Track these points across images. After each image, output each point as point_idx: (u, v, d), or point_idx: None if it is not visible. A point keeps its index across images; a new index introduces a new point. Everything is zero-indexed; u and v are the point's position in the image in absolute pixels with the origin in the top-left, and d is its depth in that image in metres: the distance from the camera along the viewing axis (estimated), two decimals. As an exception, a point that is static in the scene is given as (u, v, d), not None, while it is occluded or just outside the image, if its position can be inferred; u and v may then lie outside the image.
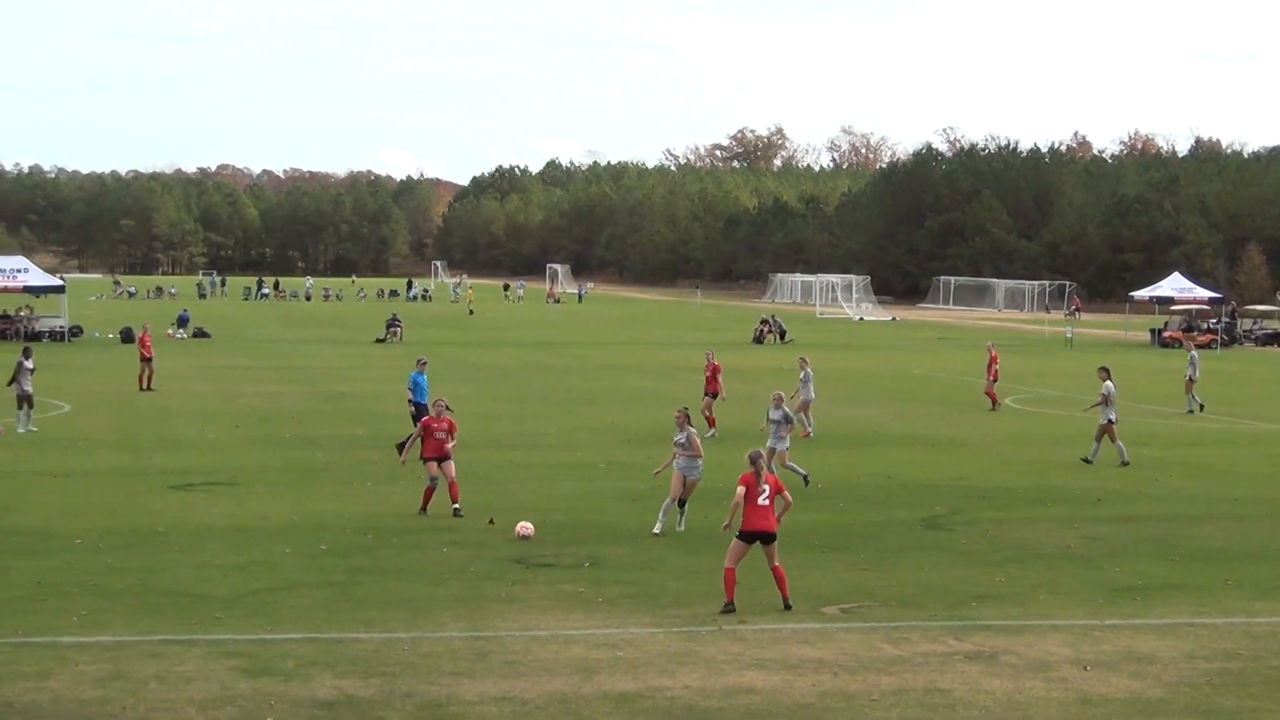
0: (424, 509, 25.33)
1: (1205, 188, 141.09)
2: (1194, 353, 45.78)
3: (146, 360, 47.35)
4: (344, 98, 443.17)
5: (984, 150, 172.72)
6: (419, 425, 27.03)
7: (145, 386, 46.99)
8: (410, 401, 33.92)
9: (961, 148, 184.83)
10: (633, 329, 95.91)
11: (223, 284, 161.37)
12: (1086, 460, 32.62)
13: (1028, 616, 18.58)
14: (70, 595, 19.02)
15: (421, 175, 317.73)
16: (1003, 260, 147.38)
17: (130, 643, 16.72)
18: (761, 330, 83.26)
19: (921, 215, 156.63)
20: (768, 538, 18.52)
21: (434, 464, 25.43)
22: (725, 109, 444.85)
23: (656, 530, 23.41)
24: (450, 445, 25.62)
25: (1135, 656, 16.77)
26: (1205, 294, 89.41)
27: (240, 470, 30.34)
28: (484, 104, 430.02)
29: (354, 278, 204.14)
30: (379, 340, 77.01)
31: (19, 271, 74.92)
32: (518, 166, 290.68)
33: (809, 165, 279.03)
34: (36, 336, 70.59)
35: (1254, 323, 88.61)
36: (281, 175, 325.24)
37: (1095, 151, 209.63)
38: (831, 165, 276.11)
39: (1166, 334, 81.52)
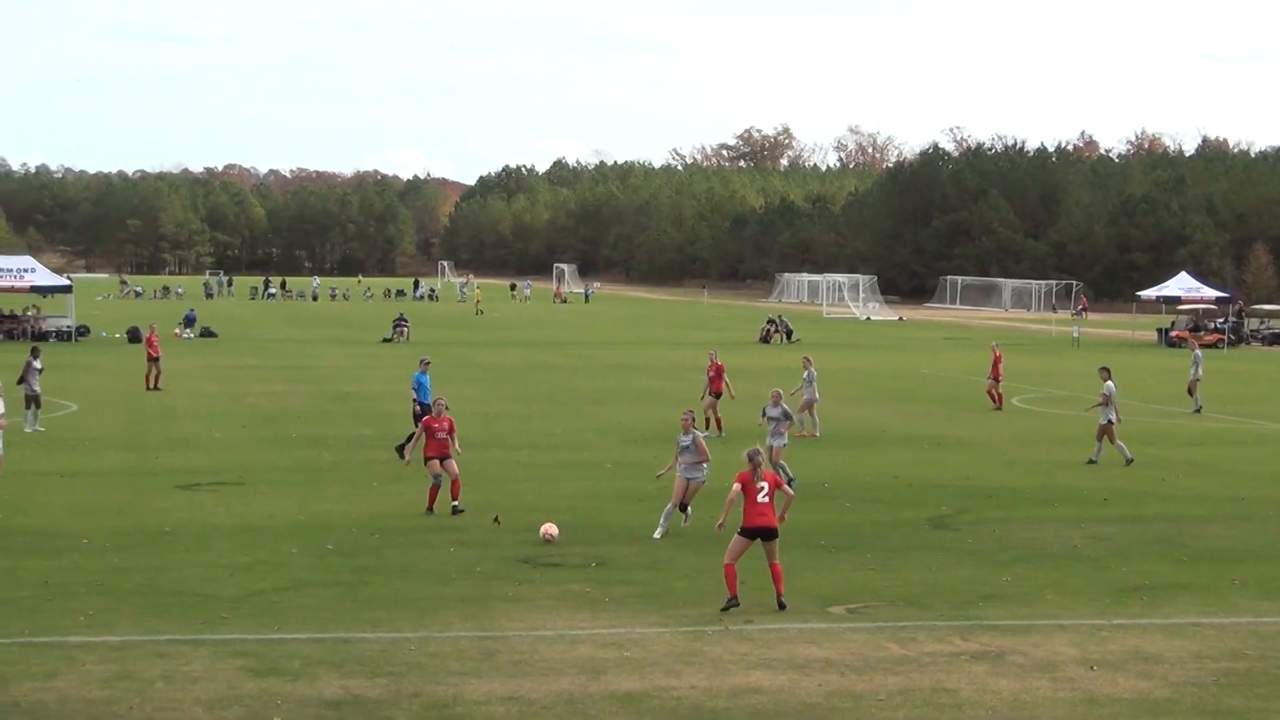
0: (430, 509, 25.37)
1: (1212, 187, 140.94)
2: (1197, 352, 45.75)
3: (154, 360, 47.40)
4: (351, 98, 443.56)
5: (991, 150, 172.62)
6: (420, 425, 27.07)
7: (153, 386, 47.04)
8: (415, 401, 33.93)
9: (968, 147, 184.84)
10: (639, 329, 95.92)
11: (229, 284, 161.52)
12: (1092, 461, 32.62)
13: (1034, 616, 18.57)
14: (77, 595, 19.05)
15: (428, 175, 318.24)
16: (1009, 260, 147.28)
17: (137, 642, 16.73)
18: (768, 330, 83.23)
19: (928, 215, 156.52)
20: (768, 534, 18.51)
21: (436, 463, 25.49)
22: (732, 108, 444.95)
23: (657, 535, 23.37)
24: (456, 448, 25.73)
25: (1142, 656, 16.76)
26: (1212, 293, 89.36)
27: (247, 470, 30.36)
28: (490, 104, 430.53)
29: (360, 277, 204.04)
30: (386, 340, 77.05)
31: (26, 271, 75.05)
32: (524, 166, 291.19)
33: (816, 165, 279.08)
34: (43, 336, 70.70)
35: (1261, 322, 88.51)
36: (288, 175, 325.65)
37: (1102, 151, 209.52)
38: (838, 165, 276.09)
39: (1173, 334, 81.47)
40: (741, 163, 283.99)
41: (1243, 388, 54.65)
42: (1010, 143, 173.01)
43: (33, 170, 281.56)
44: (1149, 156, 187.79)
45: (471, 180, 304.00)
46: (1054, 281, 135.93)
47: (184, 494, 27.35)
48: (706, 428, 36.11)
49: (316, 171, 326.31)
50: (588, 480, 29.59)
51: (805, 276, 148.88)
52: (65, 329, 73.83)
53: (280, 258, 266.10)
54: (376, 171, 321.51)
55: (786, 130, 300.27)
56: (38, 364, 37.00)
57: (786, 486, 19.15)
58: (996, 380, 44.60)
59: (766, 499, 18.54)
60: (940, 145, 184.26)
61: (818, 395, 37.31)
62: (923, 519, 25.53)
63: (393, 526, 24.17)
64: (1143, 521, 25.66)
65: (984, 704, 14.95)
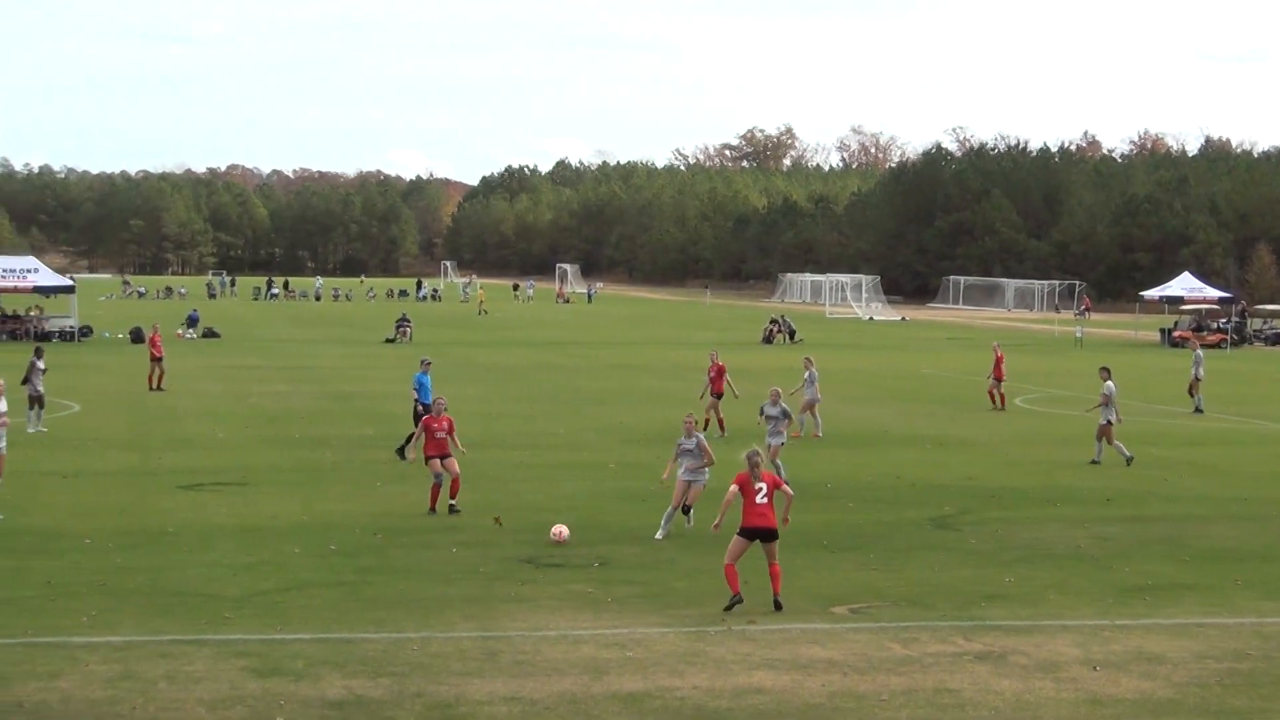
0: (433, 509, 25.38)
1: (1215, 187, 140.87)
2: (1198, 352, 45.70)
3: (157, 360, 47.42)
4: (354, 98, 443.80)
5: (993, 150, 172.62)
6: (420, 425, 27.10)
7: (156, 386, 47.06)
8: (416, 401, 33.91)
9: (971, 147, 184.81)
10: (642, 329, 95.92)
11: (232, 284, 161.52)
12: (1094, 462, 32.62)
13: (1037, 617, 18.56)
14: (80, 595, 19.05)
15: (431, 175, 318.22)
16: (1012, 260, 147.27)
17: (140, 643, 16.74)
18: (771, 330, 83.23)
19: (931, 215, 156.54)
20: (768, 535, 18.47)
21: (437, 462, 25.53)
22: (734, 109, 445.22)
23: (659, 537, 23.35)
24: (460, 448, 25.79)
25: (1145, 657, 16.75)
26: (1215, 294, 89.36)
27: (250, 470, 30.36)
28: (493, 104, 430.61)
29: (363, 278, 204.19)
30: (388, 340, 77.08)
31: (29, 272, 75.06)
32: (527, 166, 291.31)
33: (818, 165, 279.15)
34: (46, 336, 70.72)
35: (1264, 322, 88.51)
36: (291, 175, 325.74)
37: (1105, 151, 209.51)
38: (841, 165, 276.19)
39: (1176, 334, 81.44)
40: (744, 163, 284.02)
41: (1245, 388, 54.63)
42: (1013, 143, 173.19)
43: (35, 170, 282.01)
44: (1152, 156, 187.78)
45: (474, 180, 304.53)
46: (1057, 282, 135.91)
47: (187, 494, 27.36)
48: (706, 428, 36.09)
49: (319, 171, 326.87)
50: (590, 480, 29.59)
51: (808, 277, 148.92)
52: (68, 329, 73.86)
53: (283, 258, 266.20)
54: (379, 172, 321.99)
55: (789, 130, 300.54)
56: (41, 364, 37.02)
57: (786, 487, 19.09)
58: (999, 380, 44.58)
59: (765, 500, 18.50)
60: (943, 145, 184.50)
61: (819, 395, 37.30)
62: (925, 519, 25.53)
63: (395, 527, 24.17)
64: (1145, 522, 25.66)
65: (987, 704, 14.95)
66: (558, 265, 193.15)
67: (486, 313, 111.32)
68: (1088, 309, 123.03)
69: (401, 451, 31.50)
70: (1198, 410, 44.01)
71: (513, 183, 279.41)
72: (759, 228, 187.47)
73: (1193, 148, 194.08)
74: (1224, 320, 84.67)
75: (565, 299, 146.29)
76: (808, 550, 22.24)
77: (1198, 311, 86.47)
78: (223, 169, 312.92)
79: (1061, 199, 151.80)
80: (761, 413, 29.60)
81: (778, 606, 18.43)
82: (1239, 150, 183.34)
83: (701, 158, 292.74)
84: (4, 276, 73.69)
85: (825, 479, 29.86)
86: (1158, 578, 21.01)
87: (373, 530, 23.83)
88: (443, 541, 22.92)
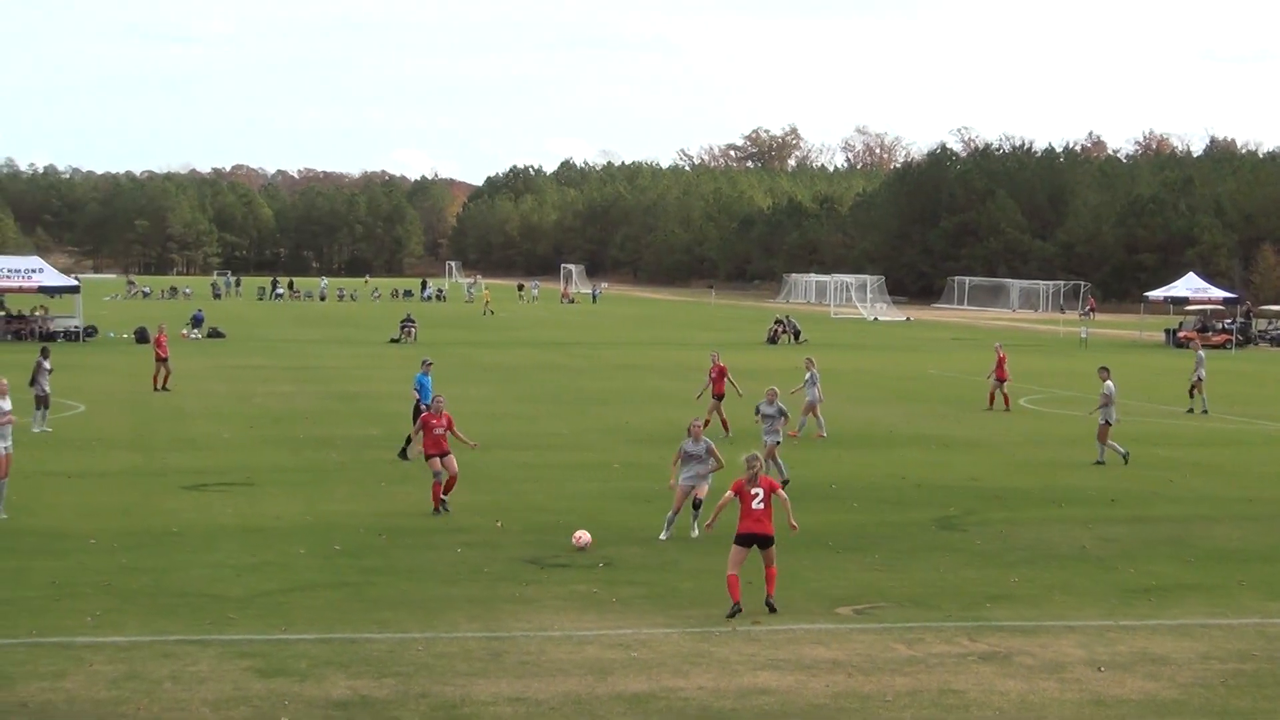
0: (437, 509, 25.39)
1: (1220, 188, 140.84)
2: (1200, 353, 45.63)
3: (162, 360, 47.43)
4: (359, 98, 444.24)
5: (998, 150, 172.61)
6: (418, 421, 27.12)
7: (161, 387, 47.07)
8: (417, 402, 33.88)
9: (976, 148, 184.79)
10: (647, 329, 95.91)
11: (237, 284, 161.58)
12: (1099, 462, 32.60)
13: (1042, 617, 18.55)
14: (85, 595, 19.06)
15: (436, 175, 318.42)
16: (1017, 260, 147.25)
17: (144, 643, 16.74)
18: (776, 330, 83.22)
19: (936, 215, 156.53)
20: (764, 542, 18.36)
21: (437, 460, 25.55)
22: (739, 109, 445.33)
23: (662, 538, 23.30)
24: (469, 442, 25.84)
25: (1150, 657, 16.74)
26: (1220, 294, 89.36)
27: (254, 470, 30.38)
28: (498, 104, 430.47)
29: (368, 278, 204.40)
30: (393, 340, 77.11)
31: (34, 272, 75.10)
32: (532, 166, 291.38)
33: (823, 165, 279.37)
34: (51, 337, 70.73)
35: (1269, 323, 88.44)
36: (296, 175, 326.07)
37: (1110, 151, 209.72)
38: (846, 165, 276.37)
39: (1181, 334, 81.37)
40: (749, 163, 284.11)
41: (1251, 388, 54.58)
42: (1018, 143, 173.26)
43: (40, 171, 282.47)
44: (1157, 157, 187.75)
45: (479, 181, 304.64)
46: (1062, 282, 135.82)
47: (191, 494, 27.37)
48: (706, 426, 36.05)
49: (324, 172, 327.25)
50: (595, 481, 29.59)
51: (813, 277, 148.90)
52: (73, 329, 73.86)
53: (288, 258, 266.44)
54: (384, 172, 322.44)
55: (794, 131, 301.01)
56: (47, 364, 37.04)
57: (781, 491, 18.92)
58: (1000, 381, 44.53)
59: (761, 505, 18.34)
60: (948, 146, 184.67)
61: (821, 396, 37.26)
62: (930, 520, 25.51)
63: (400, 527, 24.17)
64: (1150, 522, 25.64)
65: (991, 705, 14.94)
66: (562, 265, 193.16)
67: (493, 313, 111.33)
68: (1092, 309, 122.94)
69: (403, 453, 31.49)
70: (1203, 411, 43.96)
71: (518, 183, 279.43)
72: (764, 228, 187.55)
73: (1198, 148, 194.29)
74: (1229, 321, 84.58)
75: (570, 299, 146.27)
76: (812, 551, 22.23)
77: (1203, 312, 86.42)
78: (228, 169, 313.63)
79: (1066, 199, 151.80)
80: (757, 411, 29.60)
81: (770, 608, 18.37)
82: (1244, 150, 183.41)
83: (706, 158, 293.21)
84: (9, 276, 73.76)
85: (830, 479, 29.85)
86: (1162, 578, 20.99)
87: (377, 531, 23.83)
88: (447, 542, 22.92)
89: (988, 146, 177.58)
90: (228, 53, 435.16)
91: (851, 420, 40.44)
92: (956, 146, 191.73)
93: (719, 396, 37.60)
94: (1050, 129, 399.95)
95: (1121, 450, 32.59)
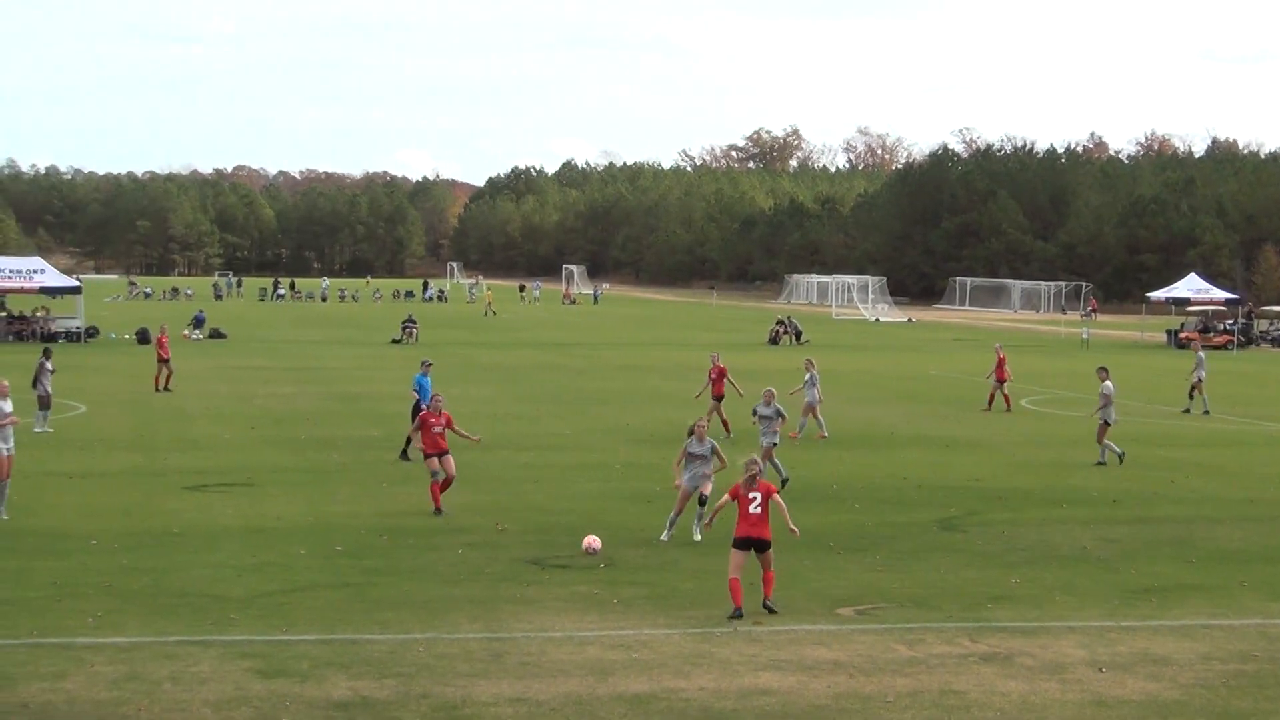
0: (437, 508, 25.38)
1: (1222, 188, 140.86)
2: (1201, 354, 45.61)
3: (164, 361, 47.42)
4: (360, 99, 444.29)
5: (1000, 151, 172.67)
6: (416, 420, 27.14)
7: (164, 387, 47.06)
8: (417, 403, 33.87)
9: (977, 148, 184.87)
10: (648, 330, 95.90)
11: (238, 285, 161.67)
12: (1100, 463, 32.60)
13: (1043, 618, 18.55)
14: (86, 596, 19.06)
15: (437, 176, 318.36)
16: (1019, 261, 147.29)
17: (145, 644, 16.75)
18: (777, 331, 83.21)
19: (937, 216, 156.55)
20: (761, 546, 18.34)
21: (435, 460, 25.58)
22: (741, 110, 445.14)
23: (664, 539, 23.29)
24: (474, 437, 25.86)
25: (1151, 658, 16.73)
26: (1222, 295, 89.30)
27: (255, 471, 30.38)
28: (499, 105, 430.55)
29: (369, 278, 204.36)
30: (394, 341, 77.11)
31: (35, 272, 75.04)
32: (533, 167, 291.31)
33: (825, 166, 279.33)
34: (52, 337, 70.72)
35: (1270, 323, 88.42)
36: (297, 176, 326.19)
37: (1111, 152, 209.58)
38: (847, 166, 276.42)
39: (1183, 335, 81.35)
40: (750, 164, 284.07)
41: (1252, 389, 54.57)
42: (1019, 144, 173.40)
43: (42, 171, 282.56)
44: (1158, 158, 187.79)
45: (481, 181, 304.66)
46: (1063, 283, 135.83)
47: (192, 495, 27.37)
48: (725, 431, 36.13)
49: (326, 173, 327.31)
50: (596, 481, 29.59)
51: (814, 278, 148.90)
52: (74, 330, 73.86)
53: (289, 259, 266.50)
54: (385, 173, 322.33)
55: (795, 131, 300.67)
56: (50, 365, 37.08)
57: (777, 496, 18.86)
58: (1001, 382, 44.52)
59: (759, 510, 18.32)
60: (949, 146, 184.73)
61: (820, 397, 37.25)
62: (931, 520, 25.50)
63: (401, 528, 24.17)
64: (1152, 523, 25.63)
65: (992, 705, 14.93)
66: (564, 266, 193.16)
67: (495, 314, 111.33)
68: (1094, 310, 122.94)
69: (404, 454, 31.49)
70: (1205, 412, 43.94)
71: (519, 184, 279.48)
72: (765, 229, 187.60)
73: (1199, 149, 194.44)
74: (1230, 321, 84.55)
75: (571, 300, 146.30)
76: (813, 551, 22.22)
77: (1204, 313, 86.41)
78: (229, 170, 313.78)
79: (1068, 200, 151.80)
80: (755, 413, 29.60)
81: (769, 610, 18.36)
82: (1246, 151, 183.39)
83: (708, 159, 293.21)
84: (10, 277, 73.73)
85: (832, 480, 29.85)
86: (1164, 579, 20.99)
87: (378, 531, 23.83)
88: (448, 543, 22.91)
89: (989, 147, 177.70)
90: (229, 53, 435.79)
91: (853, 421, 40.44)
92: (958, 147, 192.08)
93: (718, 397, 37.62)
94: (1052, 129, 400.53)
95: (1118, 450, 32.64)
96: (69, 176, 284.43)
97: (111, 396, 45.68)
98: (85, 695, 14.90)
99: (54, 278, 76.18)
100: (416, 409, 31.51)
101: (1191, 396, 44.92)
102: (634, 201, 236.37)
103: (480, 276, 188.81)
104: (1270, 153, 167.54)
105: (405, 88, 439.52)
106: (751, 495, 18.36)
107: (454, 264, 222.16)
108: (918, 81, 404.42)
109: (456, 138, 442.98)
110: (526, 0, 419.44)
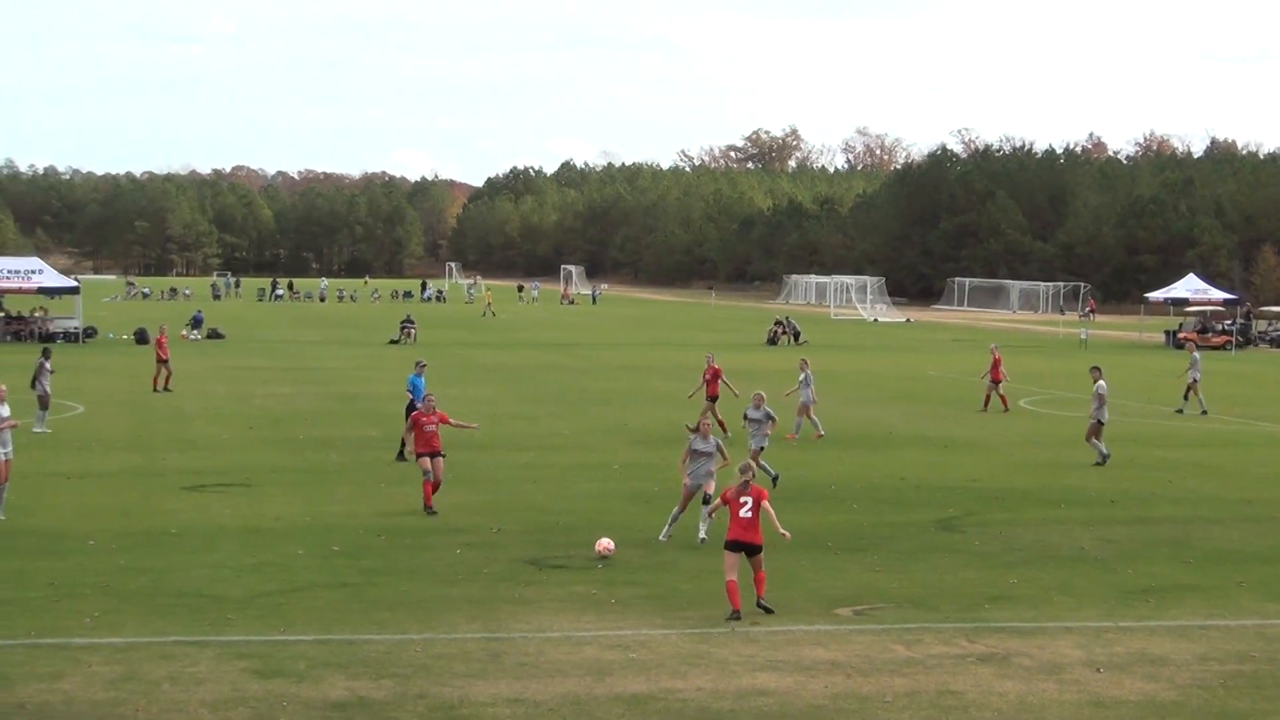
0: (428, 506, 25.39)
1: (1220, 189, 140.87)
2: (1196, 354, 45.59)
3: (163, 362, 47.41)
4: (358, 99, 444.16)
5: (999, 151, 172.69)
6: (409, 420, 27.14)
7: (163, 387, 47.05)
8: (411, 403, 33.84)
9: (976, 149, 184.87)
10: (647, 330, 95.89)
11: (237, 285, 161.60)
12: (1098, 464, 32.58)
13: (1041, 618, 18.56)
14: (83, 596, 19.06)
15: (436, 176, 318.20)
16: (1017, 261, 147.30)
17: (143, 644, 16.75)
18: (775, 331, 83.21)
19: (936, 216, 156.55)
20: (751, 550, 18.39)
21: (427, 459, 25.62)
22: (740, 110, 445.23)
23: (662, 538, 23.27)
24: (472, 426, 25.82)
25: (1148, 659, 16.74)
26: (1220, 295, 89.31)
27: (253, 471, 30.37)
28: (498, 105, 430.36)
29: (368, 279, 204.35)
30: (393, 341, 77.08)
31: (33, 273, 75.00)
32: (532, 167, 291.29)
33: (823, 166, 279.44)
34: (51, 337, 70.67)
35: (1269, 324, 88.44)
36: (296, 176, 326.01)
37: (1110, 152, 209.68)
38: (846, 166, 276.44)
39: (1181, 335, 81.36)
40: (749, 164, 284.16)
41: (1250, 390, 54.58)
42: (1018, 144, 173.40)
43: (40, 171, 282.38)
44: (1157, 158, 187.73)
45: (479, 182, 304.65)
46: (1062, 283, 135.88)
47: (190, 495, 27.37)
48: (723, 431, 36.13)
49: (324, 173, 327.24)
50: (595, 481, 29.58)
51: (813, 278, 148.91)
52: (72, 330, 73.84)
53: (288, 259, 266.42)
54: (384, 173, 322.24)
55: (794, 132, 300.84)
56: (49, 365, 37.09)
57: (766, 503, 18.82)
58: (996, 382, 44.52)
59: (749, 514, 18.36)
60: (948, 147, 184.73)
61: (814, 397, 37.25)
62: (929, 521, 25.50)
63: (399, 528, 24.17)
64: (1150, 523, 25.64)
65: (990, 706, 14.94)
66: (563, 266, 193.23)
67: (494, 314, 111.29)
68: (1093, 311, 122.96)
69: (400, 455, 31.49)
70: (1202, 412, 43.94)
71: (518, 184, 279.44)
72: (764, 229, 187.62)
73: (1198, 149, 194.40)
74: (1229, 322, 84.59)
75: (570, 300, 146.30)
76: (811, 552, 22.23)
77: (1203, 313, 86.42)
78: (228, 170, 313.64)
79: (1067, 200, 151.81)
80: (745, 417, 29.60)
81: (764, 609, 18.37)
82: (1245, 152, 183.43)
83: (706, 159, 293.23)
84: (8, 277, 73.68)
85: (829, 480, 29.86)
86: (1161, 579, 20.99)
87: (376, 531, 23.83)
88: (446, 543, 22.91)
89: (988, 148, 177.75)
90: (228, 53, 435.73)
91: (851, 421, 40.44)
92: (957, 147, 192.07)
93: (713, 398, 37.65)
94: (1050, 130, 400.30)
95: (1104, 451, 32.63)
96: (67, 176, 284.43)
97: (109, 397, 45.67)
98: (82, 695, 14.90)
99: (52, 278, 76.13)
100: (410, 409, 31.49)
101: (1186, 397, 44.95)
102: (632, 202, 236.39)
103: (479, 277, 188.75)
104: (1269, 153, 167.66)
105: (403, 88, 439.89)
106: (743, 500, 18.41)
107: (452, 264, 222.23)
108: (917, 82, 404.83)
109: (455, 138, 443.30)
110: (525, 0, 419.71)
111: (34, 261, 79.87)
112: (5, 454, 24.41)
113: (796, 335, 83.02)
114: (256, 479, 29.34)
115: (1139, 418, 42.31)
